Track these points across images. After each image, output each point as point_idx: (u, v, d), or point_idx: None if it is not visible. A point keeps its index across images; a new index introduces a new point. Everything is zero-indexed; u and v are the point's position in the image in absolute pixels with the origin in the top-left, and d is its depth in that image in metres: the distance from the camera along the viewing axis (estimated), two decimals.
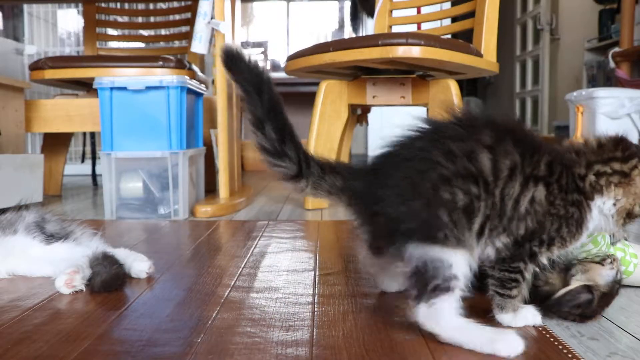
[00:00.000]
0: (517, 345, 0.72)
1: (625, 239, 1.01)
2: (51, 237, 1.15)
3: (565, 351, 0.74)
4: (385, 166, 0.81)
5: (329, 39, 4.87)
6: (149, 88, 1.91)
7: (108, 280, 1.02)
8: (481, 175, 0.75)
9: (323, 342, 0.77)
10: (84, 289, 1.02)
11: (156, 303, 0.96)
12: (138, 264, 1.12)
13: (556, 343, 0.76)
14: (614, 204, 0.79)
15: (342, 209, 0.89)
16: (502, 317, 0.80)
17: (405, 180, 0.76)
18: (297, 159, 0.84)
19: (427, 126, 0.81)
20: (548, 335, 0.79)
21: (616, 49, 3.86)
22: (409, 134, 0.81)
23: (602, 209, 0.80)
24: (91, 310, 0.92)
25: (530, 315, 0.81)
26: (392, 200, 0.76)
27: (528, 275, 0.79)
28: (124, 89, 1.90)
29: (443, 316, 0.74)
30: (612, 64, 3.87)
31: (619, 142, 0.81)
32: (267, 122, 0.83)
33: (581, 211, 0.78)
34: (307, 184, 0.85)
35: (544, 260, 0.79)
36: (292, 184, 0.86)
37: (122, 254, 1.14)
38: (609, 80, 4.25)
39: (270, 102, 0.83)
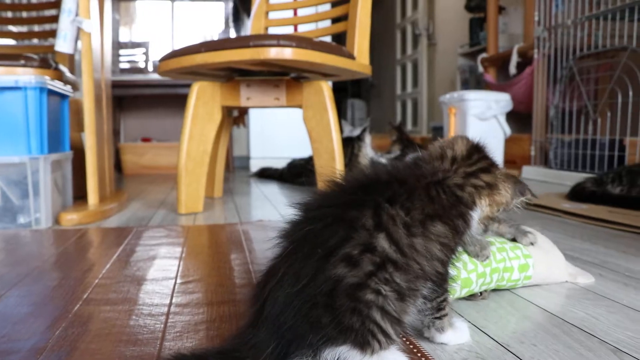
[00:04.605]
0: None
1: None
2: None
3: (415, 350, 0.75)
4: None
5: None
6: (3, 89, 1.77)
7: None
8: (390, 260, 0.64)
9: (169, 355, 0.74)
10: None
11: None
12: None
13: (408, 342, 0.78)
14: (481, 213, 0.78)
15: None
16: (444, 337, 0.76)
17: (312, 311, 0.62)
18: None
19: (292, 235, 0.68)
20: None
21: (484, 55, 4.12)
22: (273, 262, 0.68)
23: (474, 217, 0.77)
24: None
25: (460, 322, 0.79)
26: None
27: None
28: None
29: None
30: (480, 69, 4.12)
31: (476, 150, 0.79)
32: None
33: (466, 221, 0.75)
34: None
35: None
36: None
37: None
38: (480, 83, 4.52)
39: None
